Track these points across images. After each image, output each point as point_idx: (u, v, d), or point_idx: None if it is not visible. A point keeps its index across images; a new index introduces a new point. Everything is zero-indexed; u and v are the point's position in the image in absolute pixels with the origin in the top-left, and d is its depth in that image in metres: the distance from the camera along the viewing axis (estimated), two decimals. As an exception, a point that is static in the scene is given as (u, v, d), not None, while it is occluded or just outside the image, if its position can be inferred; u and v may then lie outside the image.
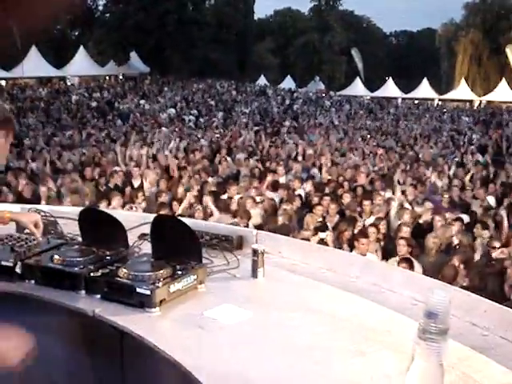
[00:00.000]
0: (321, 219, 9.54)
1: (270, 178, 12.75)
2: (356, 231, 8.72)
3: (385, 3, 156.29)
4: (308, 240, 7.60)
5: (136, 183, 12.27)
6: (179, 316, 2.62)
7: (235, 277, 3.14)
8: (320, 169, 14.65)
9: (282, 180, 12.98)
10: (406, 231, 8.78)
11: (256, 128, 25.68)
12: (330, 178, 13.54)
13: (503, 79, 60.29)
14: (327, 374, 2.15)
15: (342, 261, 3.36)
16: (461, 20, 77.51)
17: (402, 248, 7.96)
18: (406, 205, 10.87)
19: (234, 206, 10.19)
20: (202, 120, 29.99)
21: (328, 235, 8.44)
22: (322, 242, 8.01)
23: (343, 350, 2.33)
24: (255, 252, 3.12)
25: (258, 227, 8.28)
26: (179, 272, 2.82)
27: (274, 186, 11.93)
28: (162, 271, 2.75)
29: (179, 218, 3.59)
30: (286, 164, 15.03)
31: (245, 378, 2.12)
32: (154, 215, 3.35)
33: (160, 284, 2.66)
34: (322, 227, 8.78)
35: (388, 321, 2.62)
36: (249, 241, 3.55)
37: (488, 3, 75.43)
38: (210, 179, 12.45)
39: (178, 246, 2.98)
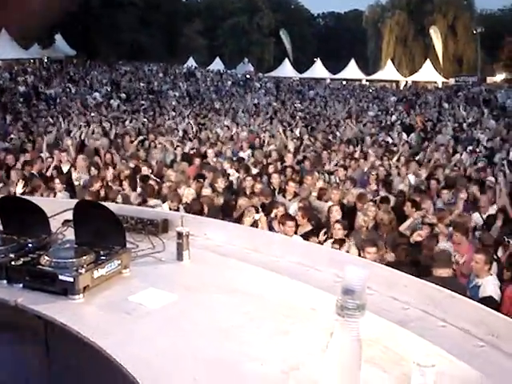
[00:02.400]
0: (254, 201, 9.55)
1: (198, 160, 12.72)
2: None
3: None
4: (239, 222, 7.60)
5: (65, 169, 12.01)
6: (104, 302, 2.61)
7: (161, 260, 3.15)
8: (253, 150, 14.64)
9: (212, 162, 12.92)
10: (337, 212, 8.85)
11: (185, 111, 25.46)
12: (258, 159, 13.54)
13: (428, 60, 61.67)
14: (251, 353, 2.20)
15: (267, 241, 3.40)
16: (387, 2, 78.76)
17: (338, 231, 8.03)
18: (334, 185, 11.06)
19: (165, 190, 10.09)
20: (129, 104, 29.49)
21: (261, 216, 8.48)
22: (256, 223, 8.05)
23: (267, 329, 2.38)
24: (180, 235, 3.13)
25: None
26: (103, 257, 2.80)
27: (203, 169, 11.87)
28: (84, 257, 2.72)
29: (102, 202, 3.55)
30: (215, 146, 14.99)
31: (170, 361, 2.13)
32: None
33: (83, 270, 2.63)
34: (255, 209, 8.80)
35: (312, 299, 2.67)
36: (175, 224, 3.53)
37: (412, -15, 76.88)
38: (140, 164, 12.23)
39: (101, 231, 2.95)
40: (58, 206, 3.58)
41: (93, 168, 11.54)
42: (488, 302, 6.21)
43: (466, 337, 2.37)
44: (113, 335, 2.30)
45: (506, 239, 7.80)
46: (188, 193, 9.63)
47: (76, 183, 11.06)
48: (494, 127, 21.43)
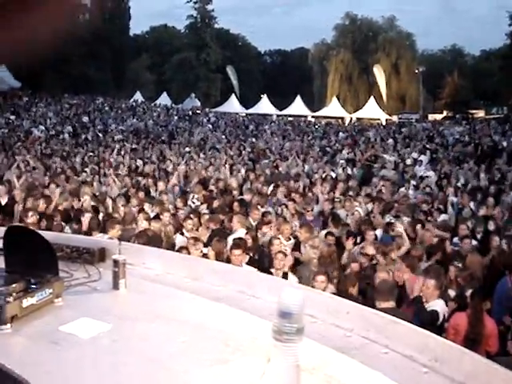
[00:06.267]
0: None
1: (141, 194, 12.56)
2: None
3: (259, 22, 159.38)
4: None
5: (3, 202, 11.72)
6: (33, 332, 2.48)
7: (96, 289, 3.03)
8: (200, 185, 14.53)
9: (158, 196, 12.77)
10: (279, 245, 8.77)
11: (130, 146, 25.28)
12: (203, 193, 13.42)
13: (372, 97, 63.07)
14: (187, 384, 2.10)
15: (207, 269, 3.31)
16: (332, 40, 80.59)
17: (281, 262, 7.96)
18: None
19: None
20: (74, 137, 29.14)
21: (209, 249, 8.39)
22: (205, 256, 7.95)
23: (205, 359, 2.29)
24: (116, 263, 3.01)
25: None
26: (33, 286, 2.67)
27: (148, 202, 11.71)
28: (13, 285, 2.57)
29: (33, 229, 3.41)
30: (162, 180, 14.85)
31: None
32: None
33: (11, 299, 2.49)
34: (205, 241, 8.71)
35: (252, 327, 2.59)
36: (112, 253, 3.41)
37: (357, 25, 78.92)
38: (85, 197, 11.97)
39: (32, 259, 2.81)
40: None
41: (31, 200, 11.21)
42: (430, 315, 6.28)
43: (409, 363, 2.32)
44: (39, 367, 2.17)
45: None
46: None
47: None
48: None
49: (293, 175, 17.11)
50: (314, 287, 6.13)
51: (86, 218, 9.73)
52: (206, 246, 8.56)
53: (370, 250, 8.66)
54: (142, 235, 8.53)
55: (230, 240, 8.79)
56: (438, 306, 6.59)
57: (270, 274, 7.65)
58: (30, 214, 9.72)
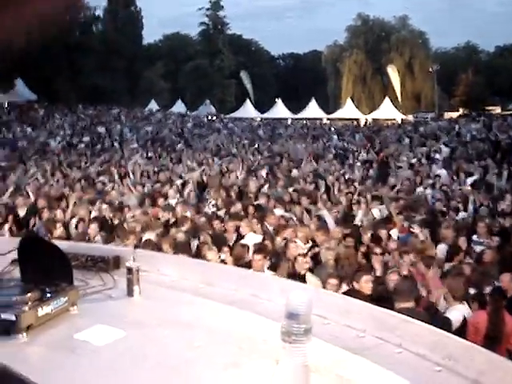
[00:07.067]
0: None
1: (160, 201, 12.60)
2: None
3: (271, 27, 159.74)
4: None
5: (21, 213, 11.82)
6: (48, 341, 2.50)
7: (111, 297, 3.06)
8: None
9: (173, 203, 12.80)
10: (295, 248, 8.76)
11: (146, 154, 25.42)
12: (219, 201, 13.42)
13: (386, 97, 62.88)
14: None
15: (221, 274, 3.33)
16: (344, 42, 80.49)
17: (302, 265, 7.95)
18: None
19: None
20: (89, 148, 29.32)
21: (226, 255, 8.42)
22: (224, 262, 8.00)
23: (219, 363, 2.30)
24: (130, 270, 3.04)
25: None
26: (48, 295, 2.68)
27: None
28: (28, 295, 2.60)
29: (47, 239, 3.45)
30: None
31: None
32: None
33: (26, 308, 2.52)
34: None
35: (265, 330, 2.60)
36: (127, 260, 3.43)
37: (369, 26, 78.75)
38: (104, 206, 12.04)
39: (47, 268, 2.84)
40: (8, 246, 3.45)
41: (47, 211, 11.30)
42: (441, 322, 6.19)
43: (422, 362, 2.32)
44: (55, 375, 2.19)
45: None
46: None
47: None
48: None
49: (308, 177, 17.10)
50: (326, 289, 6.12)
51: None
52: (219, 251, 8.58)
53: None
54: (149, 244, 8.57)
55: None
56: (458, 310, 6.51)
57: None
58: (58, 225, 9.89)
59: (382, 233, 9.64)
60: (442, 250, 9.41)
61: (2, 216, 11.20)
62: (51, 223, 10.19)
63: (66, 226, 10.50)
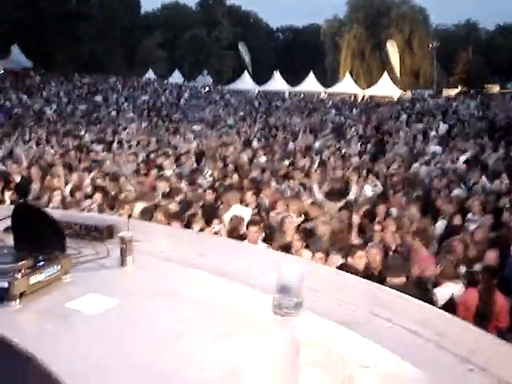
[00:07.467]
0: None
1: (154, 172, 12.54)
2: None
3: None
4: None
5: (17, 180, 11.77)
6: (40, 308, 2.51)
7: (104, 266, 3.06)
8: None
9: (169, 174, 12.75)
10: (291, 223, 8.73)
11: (142, 123, 25.31)
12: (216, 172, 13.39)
13: (385, 73, 62.54)
14: (191, 359, 2.12)
15: (214, 246, 3.33)
16: (344, 16, 79.92)
17: (296, 242, 7.93)
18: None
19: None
20: (86, 116, 29.17)
21: (221, 227, 8.42)
22: (217, 234, 7.99)
23: (208, 334, 2.30)
24: (123, 240, 3.04)
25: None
26: (41, 263, 2.68)
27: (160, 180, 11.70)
28: (21, 262, 2.59)
29: (40, 207, 3.44)
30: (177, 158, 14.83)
31: (104, 368, 2.04)
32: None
33: (19, 276, 2.51)
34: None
35: (258, 303, 2.60)
36: (121, 230, 3.43)
37: (369, 0, 78.07)
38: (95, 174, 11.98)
39: (41, 236, 2.84)
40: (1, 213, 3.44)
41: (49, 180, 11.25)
42: (425, 298, 6.17)
43: (412, 337, 2.33)
44: (46, 342, 2.20)
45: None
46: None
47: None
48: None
49: (303, 151, 17.06)
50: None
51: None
52: (206, 222, 8.57)
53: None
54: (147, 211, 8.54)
55: (225, 217, 8.84)
56: (447, 287, 6.52)
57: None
58: (56, 193, 9.85)
59: (380, 208, 9.61)
60: (440, 226, 9.43)
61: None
62: (47, 191, 10.16)
63: (62, 193, 10.48)
